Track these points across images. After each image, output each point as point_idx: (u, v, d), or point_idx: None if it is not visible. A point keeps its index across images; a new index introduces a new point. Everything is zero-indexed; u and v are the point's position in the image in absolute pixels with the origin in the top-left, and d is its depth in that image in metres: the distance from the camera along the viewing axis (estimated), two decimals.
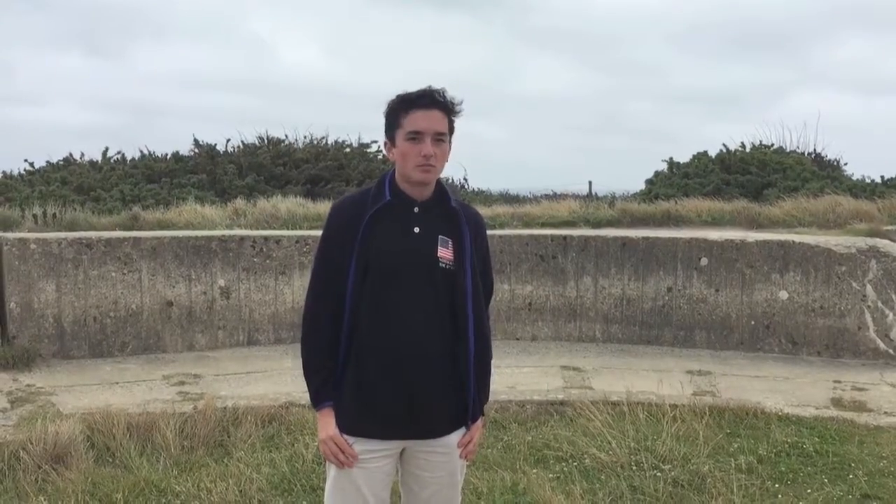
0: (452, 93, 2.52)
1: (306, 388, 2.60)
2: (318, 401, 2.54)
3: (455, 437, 2.60)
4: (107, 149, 14.84)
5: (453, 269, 2.53)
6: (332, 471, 2.57)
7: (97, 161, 14.56)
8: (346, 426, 2.51)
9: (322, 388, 2.53)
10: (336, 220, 2.56)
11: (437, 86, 2.50)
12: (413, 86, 2.53)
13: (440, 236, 2.53)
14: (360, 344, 2.50)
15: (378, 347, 2.48)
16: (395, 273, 2.48)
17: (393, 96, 2.53)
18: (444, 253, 2.52)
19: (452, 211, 2.56)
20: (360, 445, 2.51)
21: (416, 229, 2.52)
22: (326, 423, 2.52)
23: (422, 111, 2.46)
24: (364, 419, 2.50)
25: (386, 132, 2.56)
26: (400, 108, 2.49)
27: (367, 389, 2.50)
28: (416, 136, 2.45)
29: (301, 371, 2.60)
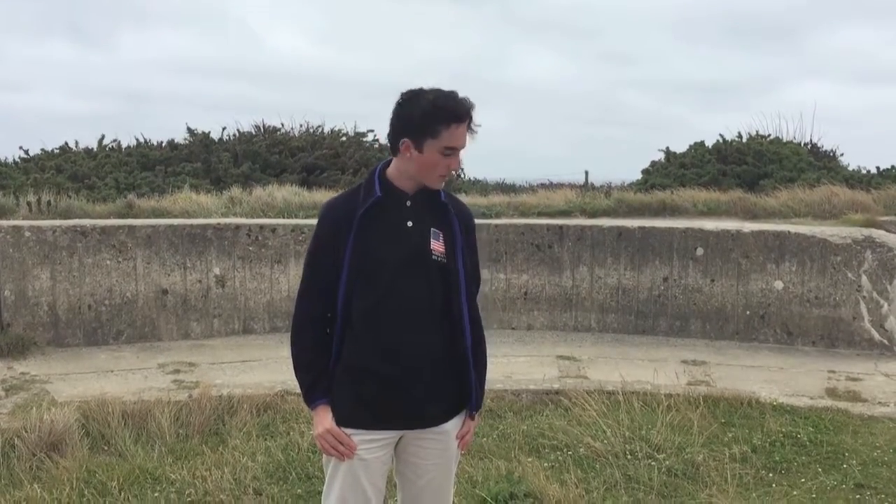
0: (448, 85, 2.49)
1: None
2: (311, 398, 2.53)
3: (451, 424, 2.60)
4: (102, 136, 14.78)
5: (445, 261, 2.52)
6: (330, 464, 2.57)
7: (92, 149, 14.49)
8: (343, 418, 2.50)
9: (315, 385, 2.53)
10: (328, 219, 2.53)
11: (431, 75, 2.50)
12: (405, 75, 2.50)
13: (432, 229, 2.52)
14: (354, 338, 2.49)
15: (374, 341, 2.48)
16: (388, 267, 2.47)
17: (417, 94, 2.42)
18: (437, 246, 2.52)
19: (441, 205, 2.55)
20: (358, 436, 2.50)
21: (409, 223, 2.50)
22: (322, 418, 2.51)
23: (462, 126, 2.42)
24: (362, 410, 2.50)
25: (410, 132, 2.42)
26: (443, 119, 2.39)
27: (364, 382, 2.49)
28: (452, 153, 2.43)
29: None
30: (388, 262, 2.47)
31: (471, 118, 2.44)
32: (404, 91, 2.47)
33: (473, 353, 2.58)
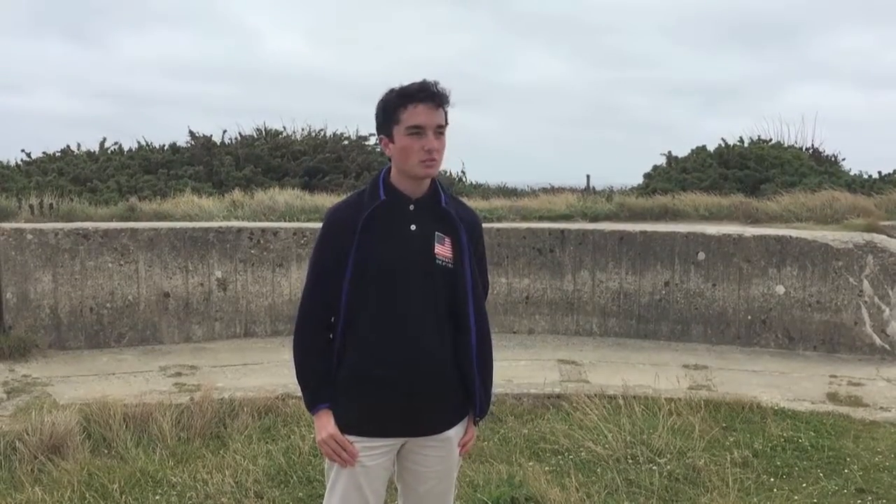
0: (443, 83, 2.47)
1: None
2: (314, 403, 2.51)
3: (454, 431, 2.58)
4: (104, 139, 14.82)
5: (452, 266, 2.50)
6: (332, 470, 2.55)
7: (94, 152, 14.52)
8: (346, 426, 2.48)
9: (318, 390, 2.50)
10: (332, 224, 2.51)
11: (428, 76, 2.46)
12: (402, 76, 2.51)
13: (437, 233, 2.50)
14: (357, 344, 2.47)
15: (377, 347, 2.46)
16: (392, 272, 2.45)
17: (385, 90, 2.47)
18: (442, 250, 2.49)
19: (443, 210, 2.52)
20: (360, 444, 2.48)
21: (413, 227, 2.48)
22: (325, 424, 2.49)
23: (422, 105, 2.40)
24: (364, 418, 2.48)
25: (380, 129, 2.49)
26: (398, 103, 2.42)
27: (367, 389, 2.47)
28: (417, 131, 2.40)
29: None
30: (392, 266, 2.45)
31: (435, 97, 2.42)
32: None
33: (479, 358, 2.55)
